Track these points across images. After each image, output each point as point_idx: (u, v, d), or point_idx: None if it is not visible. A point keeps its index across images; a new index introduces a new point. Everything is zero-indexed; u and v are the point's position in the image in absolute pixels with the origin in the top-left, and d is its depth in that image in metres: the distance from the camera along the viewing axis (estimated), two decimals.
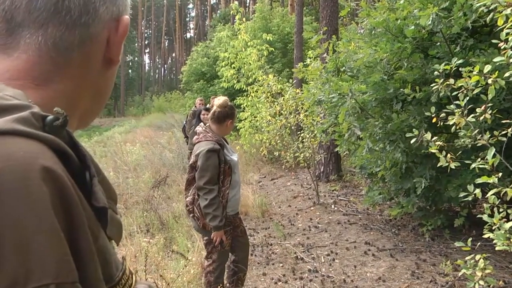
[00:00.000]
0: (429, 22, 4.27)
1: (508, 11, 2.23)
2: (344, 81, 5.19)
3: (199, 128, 3.63)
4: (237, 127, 11.23)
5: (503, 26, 2.32)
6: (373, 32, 5.22)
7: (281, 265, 4.90)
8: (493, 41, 2.62)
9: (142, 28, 65.44)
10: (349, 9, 5.48)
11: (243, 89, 11.47)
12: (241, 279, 3.82)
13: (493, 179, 2.38)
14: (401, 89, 4.70)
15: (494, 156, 2.48)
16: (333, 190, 7.81)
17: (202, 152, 3.35)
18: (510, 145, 3.53)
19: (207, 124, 3.62)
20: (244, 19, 11.70)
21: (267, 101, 8.37)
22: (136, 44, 65.00)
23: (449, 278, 4.11)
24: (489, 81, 2.50)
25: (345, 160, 9.45)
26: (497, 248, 2.32)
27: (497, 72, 2.57)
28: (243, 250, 3.79)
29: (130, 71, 59.36)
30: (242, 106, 11.73)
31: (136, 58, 64.04)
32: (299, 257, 5.06)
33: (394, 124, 4.66)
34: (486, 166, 2.47)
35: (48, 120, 0.53)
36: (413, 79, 4.78)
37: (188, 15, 74.90)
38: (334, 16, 8.58)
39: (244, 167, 10.87)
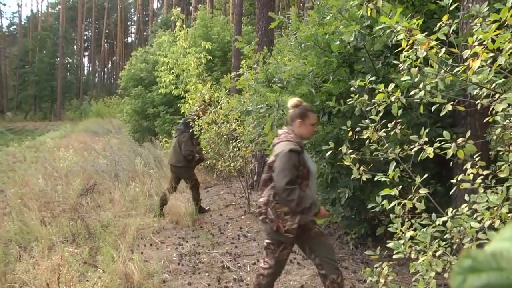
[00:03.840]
0: (352, 39, 4.44)
1: (402, 35, 2.38)
2: (274, 92, 5.30)
3: (280, 130, 3.59)
4: (173, 135, 11.14)
5: (406, 47, 2.47)
6: (302, 45, 5.37)
7: (207, 274, 4.90)
8: (394, 61, 2.78)
9: (82, 29, 63.56)
10: (279, 22, 5.60)
11: (182, 96, 11.42)
12: (337, 283, 3.48)
13: (395, 191, 2.52)
14: (327, 102, 4.85)
15: (395, 169, 2.62)
16: None
17: (283, 152, 3.29)
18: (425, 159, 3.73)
19: (289, 126, 3.57)
20: (184, 26, 11.68)
21: (201, 109, 8.36)
22: (75, 47, 63.08)
23: (367, 285, 4.27)
24: (392, 98, 2.64)
25: None
26: (394, 257, 2.46)
27: (398, 90, 2.72)
28: (323, 250, 3.54)
29: (68, 73, 57.49)
30: (180, 112, 11.67)
31: (74, 61, 62.13)
32: (225, 266, 5.08)
33: (319, 135, 4.80)
34: (387, 179, 2.61)
35: None
36: (339, 92, 4.95)
37: (130, 19, 73.55)
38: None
39: None
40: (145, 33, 52.47)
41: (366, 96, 3.17)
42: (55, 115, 48.62)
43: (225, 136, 7.64)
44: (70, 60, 59.83)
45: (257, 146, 5.97)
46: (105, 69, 72.88)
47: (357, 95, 3.19)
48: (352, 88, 3.40)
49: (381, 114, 3.02)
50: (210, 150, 8.40)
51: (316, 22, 5.33)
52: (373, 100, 3.03)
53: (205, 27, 17.44)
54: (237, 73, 6.60)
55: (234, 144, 7.37)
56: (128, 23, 72.55)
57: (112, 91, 48.10)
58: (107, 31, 66.04)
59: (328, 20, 5.06)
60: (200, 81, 10.50)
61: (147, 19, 55.71)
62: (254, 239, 5.93)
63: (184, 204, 7.14)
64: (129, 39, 71.59)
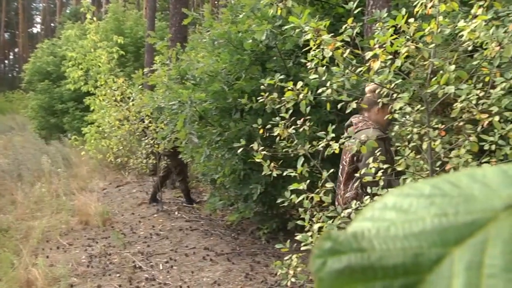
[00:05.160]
0: (264, 38, 4.53)
1: (309, 35, 2.47)
2: (186, 89, 5.25)
3: (355, 119, 3.23)
4: (83, 132, 10.72)
5: (314, 47, 2.56)
6: (215, 42, 5.38)
7: (118, 275, 4.77)
8: (304, 60, 2.88)
9: None
10: (193, 18, 5.57)
11: (92, 92, 10.96)
12: None
13: (302, 186, 2.61)
14: (239, 99, 4.90)
15: (303, 164, 2.72)
16: (178, 197, 7.84)
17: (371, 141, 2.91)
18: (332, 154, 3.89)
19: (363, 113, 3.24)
20: (95, 18, 11.22)
21: (112, 105, 8.11)
22: None
23: (278, 277, 4.37)
24: (300, 96, 2.73)
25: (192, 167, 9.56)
26: (302, 249, 2.55)
27: (307, 88, 2.82)
28: None
29: None
30: (90, 109, 11.21)
31: None
32: (137, 266, 4.98)
33: (231, 132, 4.84)
34: (297, 175, 2.71)
35: None
36: (251, 90, 5.01)
37: (35, 8, 69.16)
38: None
39: (90, 173, 10.40)
40: (52, 24, 49.74)
41: (276, 94, 3.23)
42: None
43: (137, 134, 7.46)
44: None
45: (170, 143, 5.89)
46: (6, 61, 68.02)
47: (267, 93, 3.24)
48: (262, 87, 3.46)
49: (290, 111, 3.10)
50: (122, 147, 8.17)
51: (229, 20, 5.36)
52: (282, 98, 3.10)
53: (117, 21, 16.87)
54: (150, 69, 6.47)
55: (146, 141, 7.22)
56: (33, 12, 68.14)
57: (15, 85, 45.05)
58: (6, 19, 61.58)
59: (241, 18, 5.11)
60: (111, 76, 10.15)
61: (54, 8, 52.71)
62: (167, 237, 5.86)
63: (94, 203, 6.89)
64: (34, 30, 67.37)
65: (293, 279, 2.69)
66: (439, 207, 0.28)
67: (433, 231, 0.27)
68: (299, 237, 2.60)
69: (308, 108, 2.97)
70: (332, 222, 2.69)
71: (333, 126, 2.88)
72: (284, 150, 3.18)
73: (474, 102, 2.26)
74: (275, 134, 3.24)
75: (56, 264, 4.96)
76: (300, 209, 2.80)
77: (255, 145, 3.26)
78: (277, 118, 3.25)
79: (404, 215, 0.29)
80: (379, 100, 2.83)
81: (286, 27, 2.97)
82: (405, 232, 0.28)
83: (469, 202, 0.28)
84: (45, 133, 16.60)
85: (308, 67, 2.64)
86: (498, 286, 0.24)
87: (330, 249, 0.27)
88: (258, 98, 3.51)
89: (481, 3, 2.27)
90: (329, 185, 2.76)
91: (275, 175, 3.13)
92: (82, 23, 17.28)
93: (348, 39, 2.63)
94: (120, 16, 17.43)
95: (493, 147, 2.35)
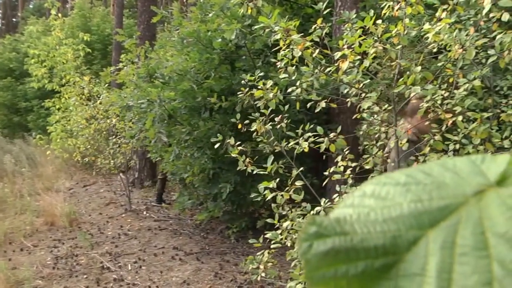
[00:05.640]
0: (233, 37, 4.54)
1: (279, 35, 2.50)
2: (155, 88, 5.22)
3: (401, 126, 3.04)
4: (48, 131, 10.47)
5: (284, 46, 2.59)
6: (184, 41, 5.36)
7: (85, 276, 4.69)
8: (273, 60, 2.91)
9: None
10: (161, 16, 5.53)
11: (56, 90, 10.73)
12: None
13: (272, 184, 2.64)
14: (209, 98, 4.90)
15: (272, 163, 2.75)
16: (146, 196, 7.77)
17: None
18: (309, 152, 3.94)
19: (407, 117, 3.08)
20: (60, 14, 10.99)
21: (78, 104, 7.97)
22: None
23: (248, 276, 4.39)
24: (270, 95, 2.76)
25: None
26: (272, 246, 2.58)
27: (276, 87, 2.85)
28: None
29: None
30: (56, 107, 10.96)
31: None
32: (105, 266, 4.91)
33: (201, 131, 4.83)
34: (266, 172, 2.73)
35: None
36: (220, 89, 5.02)
37: None
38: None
39: (56, 173, 10.18)
40: (14, 19, 48.34)
41: (255, 90, 3.22)
42: None
43: (104, 132, 7.36)
44: None
45: (138, 142, 5.84)
46: None
47: (247, 89, 3.23)
48: (242, 82, 3.47)
49: (270, 108, 3.10)
50: (89, 146, 8.04)
51: (198, 18, 5.35)
52: (260, 95, 3.10)
53: (83, 17, 16.58)
54: (118, 67, 6.39)
55: (114, 140, 7.13)
56: None
57: None
58: None
59: (210, 17, 5.11)
60: (78, 74, 9.96)
61: (16, 3, 51.23)
62: (135, 237, 5.80)
63: (60, 203, 6.75)
64: None
65: (263, 274, 2.70)
66: (414, 193, 0.31)
67: (409, 215, 0.30)
68: (269, 235, 2.63)
69: (284, 107, 3.00)
70: (302, 220, 2.73)
71: (302, 126, 2.92)
72: (260, 146, 3.20)
73: (439, 102, 2.34)
74: (253, 129, 3.23)
75: (19, 266, 4.84)
76: (273, 205, 2.82)
77: (231, 140, 3.26)
78: (256, 114, 3.24)
79: (382, 202, 0.31)
80: None
81: (255, 26, 2.99)
82: (384, 216, 0.30)
83: (442, 189, 0.31)
84: (8, 131, 16.14)
85: (278, 66, 2.66)
86: (469, 263, 0.27)
87: (316, 233, 0.29)
88: (229, 98, 3.50)
89: (445, 7, 2.34)
90: (298, 183, 2.79)
91: (249, 171, 3.14)
92: (47, 19, 16.88)
93: (318, 39, 2.67)
94: (87, 13, 17.13)
95: (457, 146, 2.44)
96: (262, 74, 3.64)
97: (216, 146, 3.72)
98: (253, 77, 3.37)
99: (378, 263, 0.28)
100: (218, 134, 3.58)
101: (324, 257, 0.29)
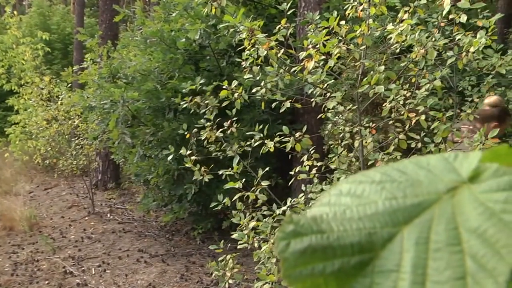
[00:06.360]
0: (197, 37, 4.51)
1: (244, 35, 2.50)
2: (118, 88, 5.13)
3: (464, 127, 2.91)
4: (6, 133, 10.15)
5: (248, 46, 2.59)
6: (148, 41, 5.29)
7: (47, 282, 4.57)
8: (238, 60, 2.91)
9: None
10: (124, 16, 5.45)
11: (15, 91, 10.40)
12: None
13: (238, 184, 2.64)
14: (173, 98, 4.85)
15: (238, 163, 2.75)
16: (110, 199, 7.63)
17: None
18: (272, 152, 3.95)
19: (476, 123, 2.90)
20: (16, 12, 10.66)
21: (39, 104, 7.75)
22: None
23: (214, 277, 4.37)
24: (235, 95, 2.76)
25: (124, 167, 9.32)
26: (238, 247, 2.58)
27: (241, 87, 2.85)
28: None
29: None
30: (14, 108, 10.63)
31: None
32: (68, 271, 4.79)
33: (165, 132, 4.78)
34: (232, 172, 2.73)
35: None
36: (184, 89, 4.98)
37: None
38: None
39: (15, 176, 9.87)
40: None
41: (198, 98, 3.18)
42: None
43: (67, 135, 7.19)
44: None
45: (102, 143, 5.73)
46: None
47: (191, 97, 3.17)
48: (184, 91, 3.42)
49: (214, 113, 3.06)
50: (50, 148, 7.83)
51: (162, 18, 5.29)
52: (206, 101, 3.07)
53: (42, 15, 16.15)
54: (80, 67, 6.25)
55: (76, 141, 6.97)
56: None
57: None
58: None
59: (174, 17, 5.07)
60: (38, 74, 9.68)
61: None
62: (99, 241, 5.68)
63: (20, 207, 6.55)
64: None
65: (230, 281, 2.70)
66: (389, 191, 0.31)
67: (384, 212, 0.30)
68: (235, 235, 2.63)
69: (234, 110, 2.99)
70: (267, 220, 2.73)
71: (267, 125, 2.93)
72: (214, 154, 3.17)
73: (401, 102, 2.39)
74: (203, 138, 3.18)
75: None
76: (234, 212, 2.81)
77: (183, 151, 3.23)
78: (202, 121, 3.19)
79: (358, 200, 0.31)
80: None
81: (220, 26, 2.98)
82: (359, 214, 0.30)
83: (416, 186, 0.31)
84: None
85: (243, 66, 2.66)
86: (443, 258, 0.27)
87: (293, 232, 0.29)
88: (183, 103, 3.36)
89: (406, 8, 2.40)
90: (264, 183, 2.79)
91: (207, 180, 3.12)
92: (1, 16, 16.37)
93: (282, 39, 2.69)
94: (46, 11, 16.70)
95: (419, 144, 2.49)
96: (203, 81, 3.61)
97: (170, 158, 3.70)
98: (195, 86, 3.32)
99: (354, 260, 0.28)
100: (170, 146, 3.55)
101: (301, 255, 0.29)
